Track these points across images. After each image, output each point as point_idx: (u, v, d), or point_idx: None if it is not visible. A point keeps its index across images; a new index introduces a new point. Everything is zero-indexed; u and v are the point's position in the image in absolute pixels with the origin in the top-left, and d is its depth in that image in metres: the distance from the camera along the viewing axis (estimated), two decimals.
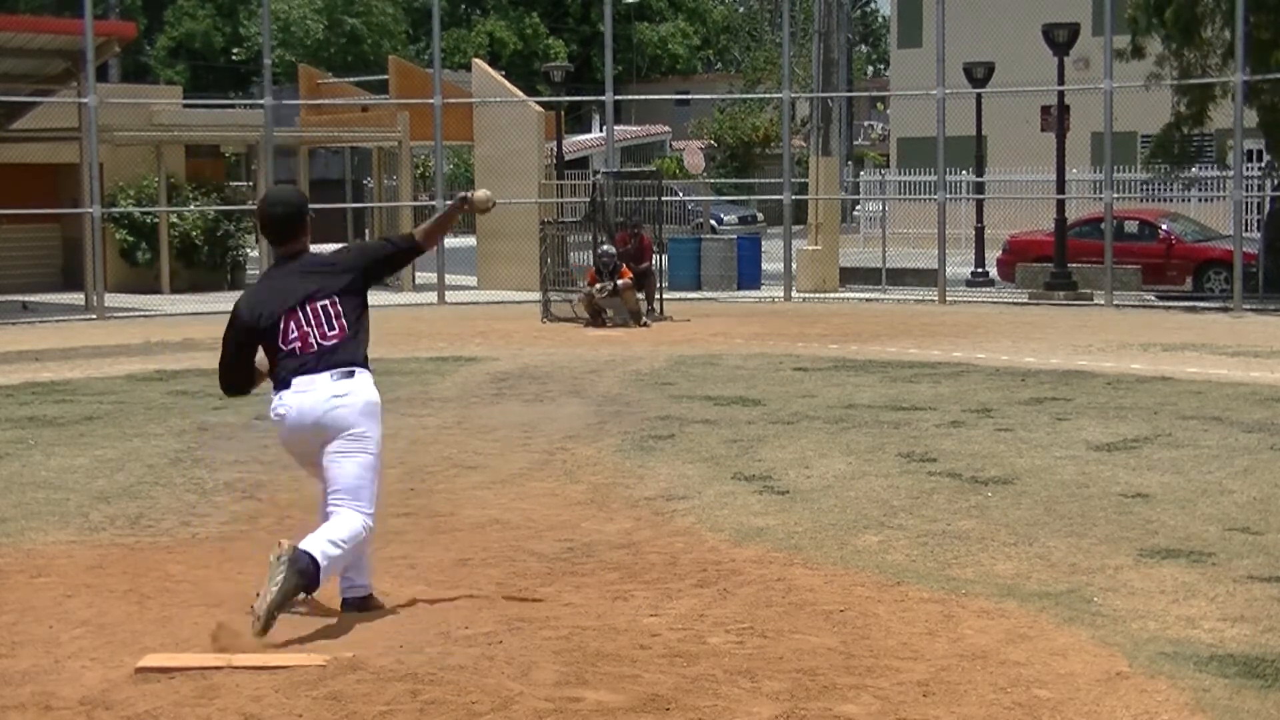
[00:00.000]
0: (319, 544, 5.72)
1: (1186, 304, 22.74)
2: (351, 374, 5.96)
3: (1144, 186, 28.49)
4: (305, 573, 5.59)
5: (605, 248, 19.93)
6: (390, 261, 6.35)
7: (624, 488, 8.68)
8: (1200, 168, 28.74)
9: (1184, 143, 22.97)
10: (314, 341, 5.96)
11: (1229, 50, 21.76)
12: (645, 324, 19.55)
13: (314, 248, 6.27)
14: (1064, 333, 18.06)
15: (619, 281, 19.44)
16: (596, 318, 19.54)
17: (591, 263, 20.24)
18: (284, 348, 5.97)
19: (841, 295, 25.37)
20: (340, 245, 6.56)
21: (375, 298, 6.70)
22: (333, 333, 5.98)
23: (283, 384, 5.95)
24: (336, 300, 6.03)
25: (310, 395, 5.89)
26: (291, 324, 5.98)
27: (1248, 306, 21.39)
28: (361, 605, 6.02)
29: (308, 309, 5.99)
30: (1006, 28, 33.31)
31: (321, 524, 5.93)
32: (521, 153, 26.61)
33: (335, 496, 5.92)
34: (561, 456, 9.72)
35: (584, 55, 64.20)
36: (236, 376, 6.23)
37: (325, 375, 5.92)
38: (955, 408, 11.54)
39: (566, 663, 5.28)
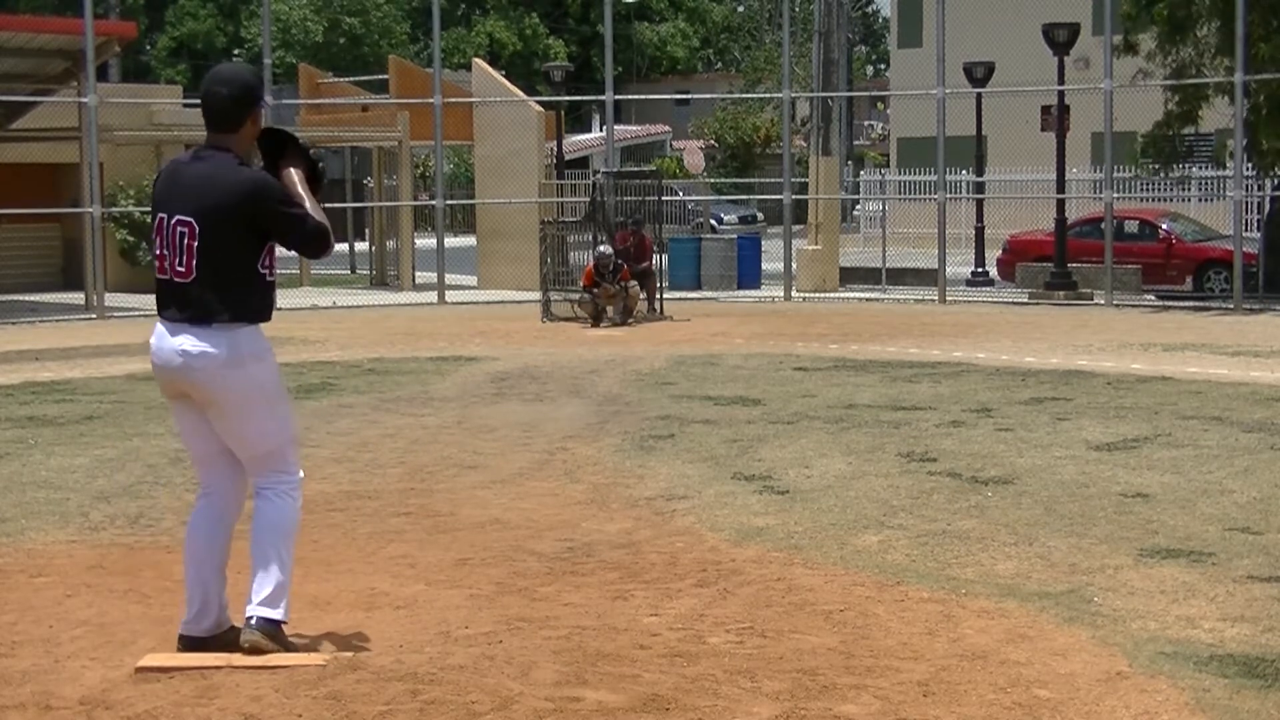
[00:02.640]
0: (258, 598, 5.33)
1: (1186, 304, 22.74)
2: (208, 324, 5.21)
3: (1144, 186, 28.51)
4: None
5: (603, 249, 19.88)
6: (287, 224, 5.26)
7: (624, 488, 8.68)
8: (1199, 166, 28.74)
9: (1175, 141, 22.99)
10: (167, 269, 5.25)
11: (1220, 49, 21.77)
12: (630, 322, 19.52)
13: None
14: (1064, 333, 18.06)
15: (627, 284, 19.43)
16: (598, 320, 19.53)
17: (591, 263, 20.21)
18: (155, 254, 5.31)
19: (841, 295, 25.37)
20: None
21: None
22: (182, 268, 5.21)
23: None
24: (199, 234, 5.18)
25: (164, 342, 5.29)
26: (159, 238, 5.28)
27: (1248, 306, 21.40)
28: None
29: (171, 227, 5.23)
30: (1006, 28, 33.31)
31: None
32: (521, 153, 26.62)
33: (259, 479, 5.48)
34: (561, 456, 9.72)
35: (584, 55, 64.23)
36: None
37: (162, 327, 5.30)
38: (955, 408, 11.54)
39: (566, 663, 5.28)
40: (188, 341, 5.19)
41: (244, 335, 5.22)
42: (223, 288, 5.18)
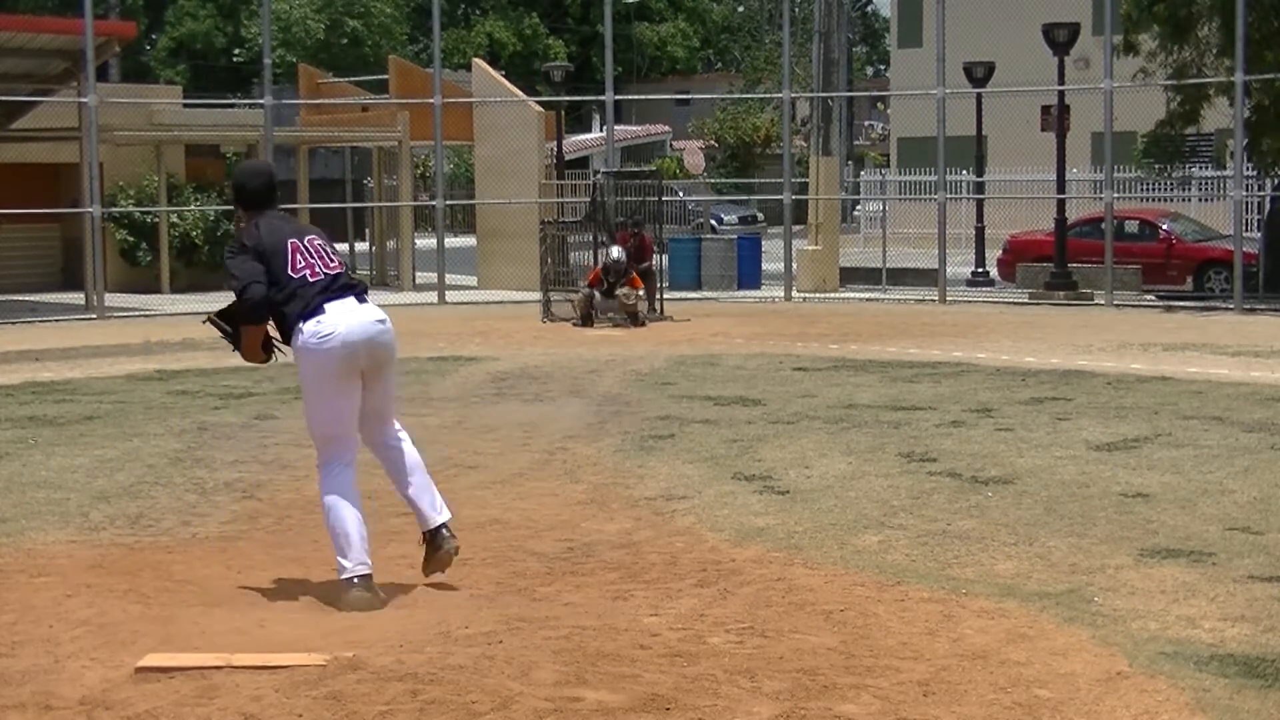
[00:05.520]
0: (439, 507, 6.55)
1: (1186, 304, 22.74)
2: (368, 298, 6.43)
3: (1144, 186, 28.50)
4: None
5: (617, 256, 19.63)
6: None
7: (624, 488, 8.69)
8: (1200, 166, 28.74)
9: (1177, 141, 22.99)
10: (320, 271, 6.32)
11: (1221, 49, 21.77)
12: (643, 324, 19.55)
13: None
14: (1064, 333, 18.06)
15: (621, 291, 19.39)
16: (588, 320, 19.50)
17: (590, 263, 20.20)
18: (293, 275, 6.27)
19: (841, 295, 25.37)
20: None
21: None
22: (333, 263, 6.40)
23: (313, 310, 6.23)
24: (326, 241, 6.53)
25: (357, 315, 6.28)
26: (298, 255, 6.33)
27: (1248, 306, 21.40)
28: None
29: (306, 243, 6.39)
30: (1006, 28, 33.29)
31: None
32: (521, 153, 26.61)
33: (394, 427, 6.55)
34: (561, 456, 9.72)
35: (584, 55, 64.21)
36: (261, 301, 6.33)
37: (353, 299, 6.31)
38: (955, 408, 11.54)
39: (566, 663, 5.28)
40: (378, 311, 6.35)
41: None
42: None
